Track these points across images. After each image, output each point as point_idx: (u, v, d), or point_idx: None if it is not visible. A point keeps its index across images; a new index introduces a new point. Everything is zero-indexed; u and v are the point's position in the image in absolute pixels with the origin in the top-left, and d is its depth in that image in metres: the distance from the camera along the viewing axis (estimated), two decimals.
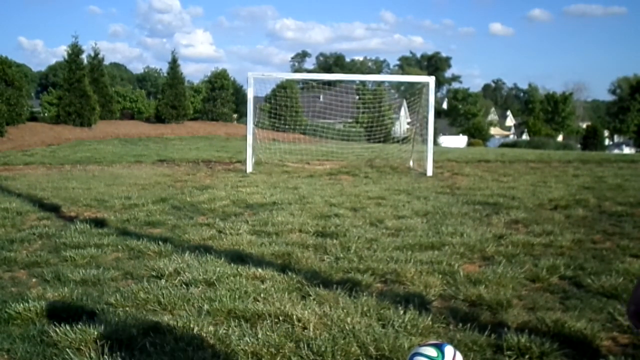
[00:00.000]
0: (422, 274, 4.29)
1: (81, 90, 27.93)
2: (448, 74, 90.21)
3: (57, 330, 3.07)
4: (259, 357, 2.84)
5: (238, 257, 4.76)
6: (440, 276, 4.25)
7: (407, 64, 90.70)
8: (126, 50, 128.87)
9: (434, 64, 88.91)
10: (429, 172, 12.77)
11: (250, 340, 2.98)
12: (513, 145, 46.45)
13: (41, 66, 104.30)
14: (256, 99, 14.66)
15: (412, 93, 18.90)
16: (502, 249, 5.12)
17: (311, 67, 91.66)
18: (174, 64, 33.95)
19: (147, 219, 6.56)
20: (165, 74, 36.74)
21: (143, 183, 10.22)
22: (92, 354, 2.81)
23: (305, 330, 3.18)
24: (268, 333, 3.06)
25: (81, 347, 2.92)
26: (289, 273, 4.24)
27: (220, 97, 36.45)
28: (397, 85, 50.74)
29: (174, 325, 3.16)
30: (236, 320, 3.31)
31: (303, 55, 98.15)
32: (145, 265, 4.56)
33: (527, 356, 2.88)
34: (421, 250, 5.07)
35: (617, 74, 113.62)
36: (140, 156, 17.54)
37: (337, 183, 10.35)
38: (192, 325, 3.16)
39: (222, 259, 4.65)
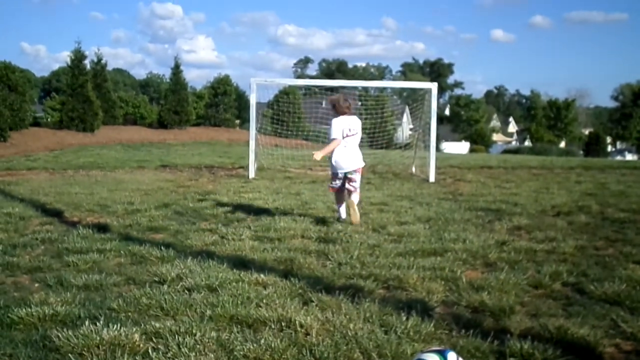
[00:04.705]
0: (425, 280, 4.28)
1: (84, 95, 28.05)
2: (450, 80, 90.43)
3: (60, 335, 3.07)
4: None
5: (240, 263, 4.76)
6: (443, 282, 4.25)
7: (409, 70, 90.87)
8: (128, 56, 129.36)
9: (437, 70, 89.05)
10: (432, 179, 12.76)
11: (252, 346, 2.97)
12: (515, 151, 46.46)
13: (44, 71, 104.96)
14: (259, 104, 14.70)
15: (414, 99, 18.94)
16: (504, 255, 5.11)
17: (313, 73, 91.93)
18: (176, 70, 34.06)
19: (150, 225, 6.56)
20: (168, 80, 36.90)
21: (146, 188, 10.24)
22: (95, 359, 2.81)
23: (308, 336, 3.17)
24: (270, 339, 3.06)
25: (84, 352, 2.92)
26: (292, 279, 4.24)
27: (223, 103, 36.55)
28: (400, 92, 50.83)
29: (176, 331, 3.16)
30: (238, 326, 3.31)
31: (306, 61, 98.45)
32: (148, 270, 4.56)
33: None
34: (423, 256, 5.07)
35: (619, 80, 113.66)
36: (143, 162, 17.57)
37: None
38: (194, 331, 3.16)
39: (225, 264, 4.64)
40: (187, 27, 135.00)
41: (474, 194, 9.83)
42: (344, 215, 6.89)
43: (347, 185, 6.76)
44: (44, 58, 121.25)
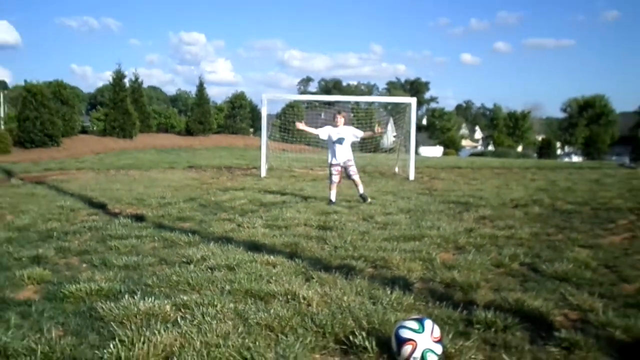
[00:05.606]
0: (406, 260, 4.27)
1: (124, 108, 28.00)
2: (427, 95, 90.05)
3: (104, 307, 3.06)
4: (271, 328, 2.84)
5: (254, 246, 4.75)
6: (421, 262, 4.24)
7: (393, 87, 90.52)
8: (161, 76, 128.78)
9: (415, 88, 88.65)
10: (411, 177, 12.77)
11: (264, 315, 2.97)
12: (481, 154, 46.41)
13: (90, 88, 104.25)
14: (269, 116, 14.67)
15: (397, 111, 18.88)
16: (471, 240, 5.11)
17: (314, 90, 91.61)
18: (201, 87, 34.03)
19: (179, 215, 6.55)
20: (194, 96, 36.83)
21: (175, 185, 10.23)
22: (133, 327, 2.81)
23: (309, 307, 3.17)
24: (279, 309, 3.05)
25: (124, 321, 2.92)
26: (296, 260, 4.23)
27: (239, 115, 36.50)
28: (385, 105, 50.60)
29: (200, 303, 3.16)
30: (252, 299, 3.30)
31: (307, 80, 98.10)
32: (177, 253, 4.55)
33: (493, 329, 2.88)
34: (405, 241, 5.06)
35: (567, 95, 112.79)
36: (173, 163, 17.55)
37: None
38: (216, 303, 3.15)
39: (241, 248, 4.64)
40: (209, 52, 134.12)
41: (446, 190, 9.83)
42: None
43: (344, 174, 8.11)
44: (90, 77, 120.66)
